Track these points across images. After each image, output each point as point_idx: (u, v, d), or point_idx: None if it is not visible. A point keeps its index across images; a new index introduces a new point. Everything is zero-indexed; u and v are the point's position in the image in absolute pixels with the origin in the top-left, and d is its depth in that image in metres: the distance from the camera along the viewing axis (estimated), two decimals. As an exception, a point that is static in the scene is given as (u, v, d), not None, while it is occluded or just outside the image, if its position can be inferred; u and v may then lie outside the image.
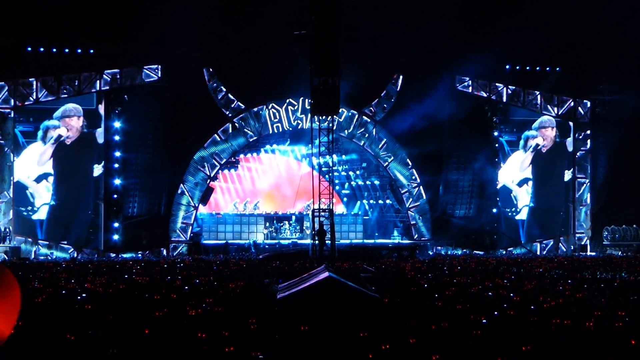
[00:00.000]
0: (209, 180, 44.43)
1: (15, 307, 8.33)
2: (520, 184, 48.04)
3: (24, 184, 41.36)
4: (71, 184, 42.14)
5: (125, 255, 40.70)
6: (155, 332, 14.66)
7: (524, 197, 48.07)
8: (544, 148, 48.12)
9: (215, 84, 43.86)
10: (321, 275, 20.41)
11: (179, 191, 43.50)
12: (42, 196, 41.61)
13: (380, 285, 22.46)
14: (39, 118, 41.57)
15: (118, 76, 42.33)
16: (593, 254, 45.35)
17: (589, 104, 48.18)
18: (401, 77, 45.55)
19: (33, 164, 41.52)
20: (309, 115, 40.84)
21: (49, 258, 39.38)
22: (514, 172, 47.90)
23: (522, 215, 48.04)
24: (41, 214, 41.56)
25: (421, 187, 46.11)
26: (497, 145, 46.98)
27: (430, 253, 44.26)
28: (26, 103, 41.11)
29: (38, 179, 41.62)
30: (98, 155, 42.29)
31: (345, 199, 51.46)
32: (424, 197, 46.15)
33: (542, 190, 48.21)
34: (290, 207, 48.33)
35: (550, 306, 18.25)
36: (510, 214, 47.77)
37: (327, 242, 37.52)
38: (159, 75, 42.70)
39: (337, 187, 48.83)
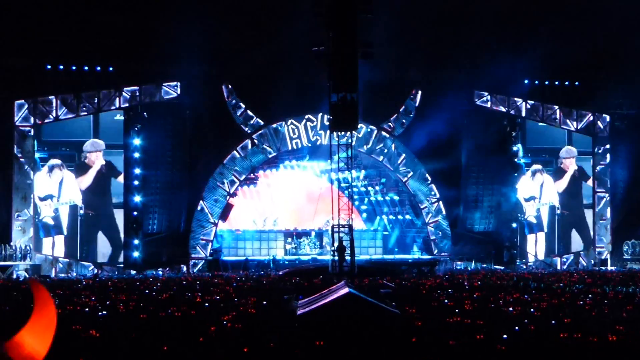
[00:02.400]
0: (228, 197, 44.51)
1: (51, 325, 8.19)
2: (528, 200, 48.00)
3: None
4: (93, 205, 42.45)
5: (145, 272, 40.77)
6: (175, 349, 14.66)
7: (530, 209, 48.01)
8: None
9: (234, 101, 44.01)
10: (341, 291, 20.37)
11: (199, 208, 43.58)
12: (43, 209, 41.72)
13: (400, 301, 22.39)
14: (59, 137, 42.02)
15: (137, 93, 42.52)
16: (614, 268, 45.11)
17: (608, 118, 48.06)
18: (420, 92, 45.56)
19: (49, 185, 41.74)
20: (328, 131, 40.88)
21: (69, 276, 39.49)
22: (525, 189, 47.87)
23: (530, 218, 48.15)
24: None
25: (440, 203, 46.03)
26: (516, 159, 46.86)
27: (450, 268, 44.11)
28: (46, 121, 41.38)
29: (44, 198, 41.73)
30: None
31: (364, 215, 51.35)
32: (444, 213, 46.05)
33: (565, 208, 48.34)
34: (309, 223, 48.31)
35: (571, 321, 18.15)
36: (521, 218, 47.66)
37: (346, 258, 37.50)
38: (178, 92, 42.87)
39: (356, 203, 48.71)
